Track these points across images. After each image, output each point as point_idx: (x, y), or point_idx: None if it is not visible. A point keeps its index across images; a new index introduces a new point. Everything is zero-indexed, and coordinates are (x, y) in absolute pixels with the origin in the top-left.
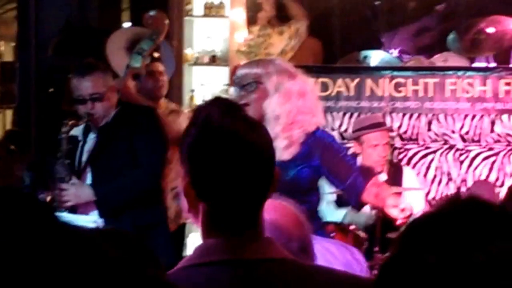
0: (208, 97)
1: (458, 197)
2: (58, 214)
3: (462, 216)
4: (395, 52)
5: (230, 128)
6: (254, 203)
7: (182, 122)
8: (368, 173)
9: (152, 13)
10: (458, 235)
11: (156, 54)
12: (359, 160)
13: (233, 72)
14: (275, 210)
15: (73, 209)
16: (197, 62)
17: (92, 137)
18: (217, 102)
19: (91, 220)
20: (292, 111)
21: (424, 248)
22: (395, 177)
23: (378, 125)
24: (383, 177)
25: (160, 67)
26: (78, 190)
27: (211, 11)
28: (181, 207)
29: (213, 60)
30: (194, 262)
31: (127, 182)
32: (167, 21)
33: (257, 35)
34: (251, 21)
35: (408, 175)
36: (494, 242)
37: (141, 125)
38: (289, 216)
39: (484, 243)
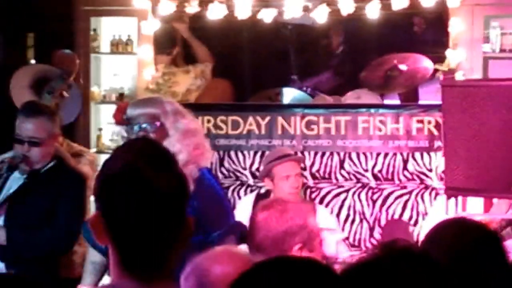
0: (116, 136)
1: (390, 246)
2: None
3: (396, 266)
4: (308, 90)
5: (139, 171)
6: (159, 245)
7: (84, 166)
8: None
9: (62, 52)
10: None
11: (66, 94)
12: (272, 197)
13: (119, 111)
14: (230, 261)
15: None
16: (104, 100)
17: (17, 176)
18: (137, 143)
19: None
20: (189, 148)
21: None
22: None
23: (287, 156)
24: None
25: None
26: None
27: (118, 48)
28: (87, 252)
29: (121, 98)
30: None
31: (43, 238)
32: (77, 60)
33: (162, 73)
34: (157, 60)
35: (322, 213)
36: None
37: (69, 188)
38: (245, 267)
39: None
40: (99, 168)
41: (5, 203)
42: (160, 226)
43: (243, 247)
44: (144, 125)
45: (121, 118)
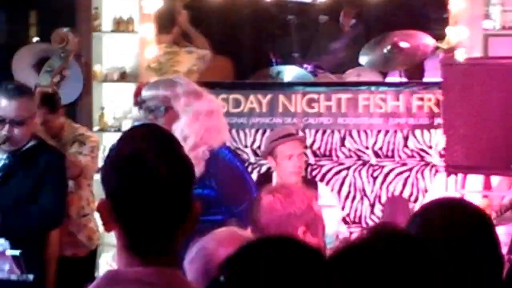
0: (119, 114)
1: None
2: None
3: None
4: (309, 68)
5: (145, 157)
6: (164, 230)
7: (84, 157)
8: None
9: (61, 30)
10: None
11: (66, 73)
12: (275, 176)
13: (137, 92)
14: (234, 243)
15: None
16: (106, 79)
17: None
18: (143, 129)
19: None
20: (200, 131)
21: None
22: None
23: (290, 136)
24: None
25: None
26: None
27: (120, 26)
28: (92, 232)
29: (123, 76)
30: None
31: (32, 214)
32: (77, 39)
33: (164, 53)
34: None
35: (324, 191)
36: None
37: (51, 165)
38: None
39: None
40: (101, 150)
41: None
42: (166, 210)
43: None
44: (154, 108)
45: (136, 100)
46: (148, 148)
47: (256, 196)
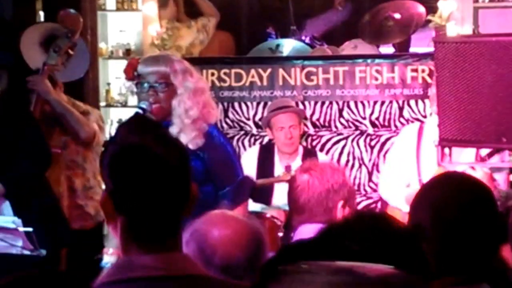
0: (124, 90)
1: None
2: None
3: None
4: (307, 39)
5: (147, 147)
6: (169, 216)
7: (92, 123)
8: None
9: (67, 11)
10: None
11: (71, 52)
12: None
13: (130, 67)
14: (227, 224)
15: None
16: (111, 56)
17: None
18: (137, 121)
19: (9, 220)
20: (199, 105)
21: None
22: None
23: (283, 108)
24: (298, 161)
25: None
26: None
27: (124, 5)
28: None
29: (128, 53)
30: (110, 279)
31: (23, 170)
32: (81, 19)
33: (166, 28)
34: (161, 14)
35: (323, 159)
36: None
37: (23, 117)
38: (242, 230)
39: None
40: (108, 124)
41: None
42: (170, 195)
43: (252, 203)
44: (154, 84)
45: (132, 74)
46: (146, 139)
47: (290, 177)
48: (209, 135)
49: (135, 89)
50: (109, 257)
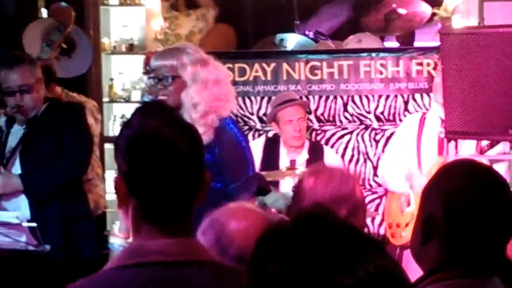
0: (127, 85)
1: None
2: None
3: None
4: (310, 34)
5: (162, 130)
6: (182, 199)
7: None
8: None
9: (58, 4)
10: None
11: (64, 45)
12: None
13: (146, 61)
14: (245, 216)
15: None
16: (114, 51)
17: (17, 128)
18: (152, 105)
19: (13, 216)
20: (209, 99)
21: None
22: (316, 156)
23: (290, 101)
24: (304, 155)
25: None
26: (6, 179)
27: (127, 0)
28: (99, 197)
29: (131, 48)
30: (121, 264)
31: (54, 172)
32: (73, 12)
33: (165, 18)
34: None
35: (329, 153)
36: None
37: (69, 120)
38: (260, 223)
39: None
40: (111, 120)
41: (12, 155)
42: (184, 181)
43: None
44: (162, 77)
45: (145, 69)
46: (161, 123)
47: (297, 180)
48: (221, 130)
49: (148, 83)
50: (115, 238)
